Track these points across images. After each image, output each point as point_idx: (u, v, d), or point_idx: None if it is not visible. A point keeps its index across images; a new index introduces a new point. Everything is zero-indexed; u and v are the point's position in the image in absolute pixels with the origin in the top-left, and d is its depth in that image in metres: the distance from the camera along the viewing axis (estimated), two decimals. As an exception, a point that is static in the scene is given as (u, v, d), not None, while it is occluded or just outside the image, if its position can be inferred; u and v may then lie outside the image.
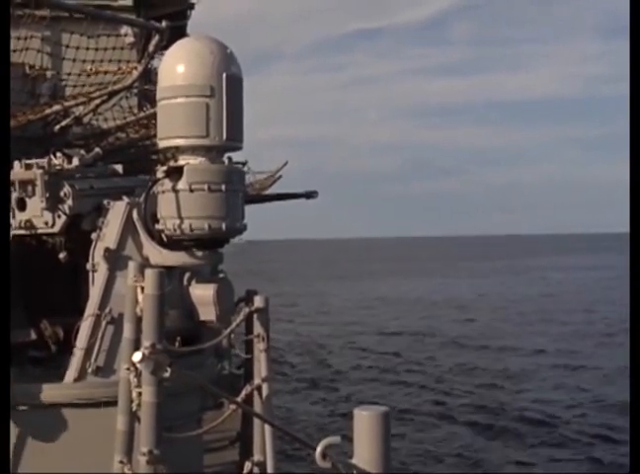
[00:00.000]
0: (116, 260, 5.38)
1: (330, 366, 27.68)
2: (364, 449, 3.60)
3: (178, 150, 5.20)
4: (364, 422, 3.63)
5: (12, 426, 5.24)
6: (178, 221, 5.09)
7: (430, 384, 24.12)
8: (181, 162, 5.14)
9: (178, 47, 5.19)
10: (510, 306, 46.43)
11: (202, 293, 5.26)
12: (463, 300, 50.14)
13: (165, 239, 5.31)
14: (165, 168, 5.16)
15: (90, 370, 5.29)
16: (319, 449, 3.71)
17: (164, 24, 6.80)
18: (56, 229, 5.44)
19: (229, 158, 5.26)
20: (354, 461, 3.62)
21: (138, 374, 4.48)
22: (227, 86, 5.01)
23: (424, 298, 52.38)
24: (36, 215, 5.47)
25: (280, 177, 22.55)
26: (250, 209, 5.53)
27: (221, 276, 5.62)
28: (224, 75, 5.01)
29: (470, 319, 40.77)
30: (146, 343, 4.33)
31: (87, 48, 7.59)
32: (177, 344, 5.31)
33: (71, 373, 5.29)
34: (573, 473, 16.18)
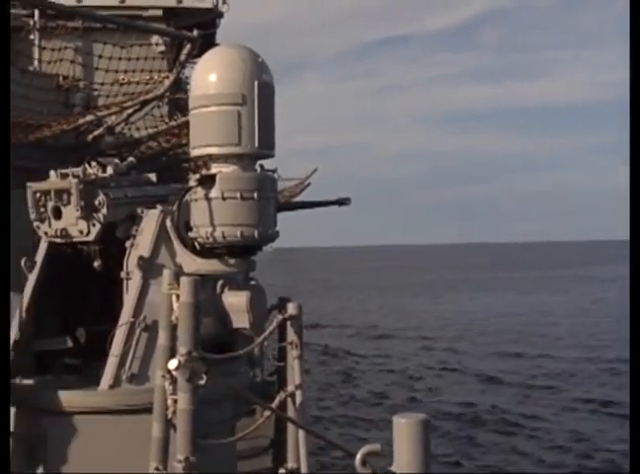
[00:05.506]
0: (149, 268, 5.41)
1: None
2: (404, 457, 3.58)
3: (210, 158, 5.22)
4: (404, 429, 3.61)
5: (49, 432, 5.32)
6: (210, 229, 5.11)
7: None
8: (213, 170, 5.16)
9: (210, 56, 5.22)
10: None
11: (235, 301, 5.28)
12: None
13: (198, 247, 5.34)
14: (198, 176, 5.18)
15: (124, 378, 5.31)
16: (359, 456, 3.69)
17: (195, 33, 6.87)
18: (91, 237, 5.48)
19: (261, 166, 5.28)
20: (393, 469, 3.60)
21: (174, 382, 4.50)
22: (259, 94, 5.03)
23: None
24: (71, 224, 5.51)
25: (310, 184, 22.61)
26: (278, 217, 5.55)
27: (253, 283, 5.63)
28: (256, 83, 5.03)
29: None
30: (182, 350, 4.35)
31: (119, 58, 7.69)
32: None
33: (106, 380, 5.32)
34: (572, 473, 15.96)
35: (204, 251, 5.29)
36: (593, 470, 16.61)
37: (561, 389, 25.20)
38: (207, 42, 8.56)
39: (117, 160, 6.00)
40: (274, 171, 5.49)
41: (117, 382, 5.31)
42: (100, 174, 5.62)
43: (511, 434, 19.45)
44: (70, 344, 5.77)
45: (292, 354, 5.22)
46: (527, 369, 28.84)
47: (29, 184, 5.66)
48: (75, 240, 5.58)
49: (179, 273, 4.87)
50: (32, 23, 9.82)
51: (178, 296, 4.60)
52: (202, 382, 4.35)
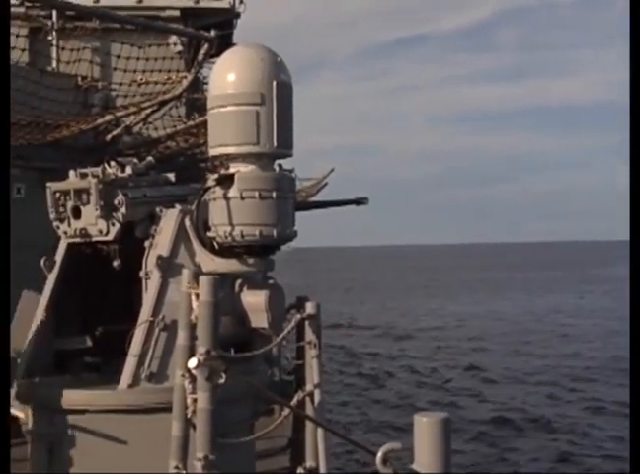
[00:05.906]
0: (168, 267, 5.42)
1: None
2: (425, 456, 3.56)
3: (228, 158, 5.23)
4: (425, 428, 3.59)
5: (68, 431, 5.34)
6: (229, 228, 5.12)
7: None
8: (231, 170, 5.17)
9: (228, 56, 5.23)
10: None
11: (254, 300, 5.28)
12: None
13: (217, 246, 5.35)
14: (216, 176, 5.20)
15: (144, 377, 5.33)
16: (380, 455, 3.67)
17: (213, 33, 6.89)
18: (110, 237, 5.51)
19: (279, 165, 5.28)
20: (414, 467, 3.59)
21: (193, 380, 4.51)
22: (277, 93, 5.03)
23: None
24: (90, 223, 5.54)
25: (327, 184, 22.62)
26: (296, 216, 5.56)
27: (271, 282, 5.64)
28: (274, 82, 5.03)
29: None
30: (201, 349, 4.36)
31: (137, 59, 7.72)
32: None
33: (125, 380, 5.34)
34: (571, 473, 15.86)
35: (223, 250, 5.30)
36: (599, 471, 16.51)
37: (587, 390, 25.04)
38: (225, 42, 8.58)
39: (135, 160, 6.02)
40: (291, 170, 5.50)
41: (136, 381, 5.32)
42: (119, 174, 5.65)
43: (540, 437, 19.30)
44: (89, 343, 5.80)
45: (311, 353, 5.22)
46: (553, 370, 28.66)
47: (48, 183, 5.69)
48: (94, 239, 5.60)
49: (198, 272, 4.88)
50: (50, 23, 9.89)
51: (197, 295, 4.61)
52: (222, 381, 4.36)
